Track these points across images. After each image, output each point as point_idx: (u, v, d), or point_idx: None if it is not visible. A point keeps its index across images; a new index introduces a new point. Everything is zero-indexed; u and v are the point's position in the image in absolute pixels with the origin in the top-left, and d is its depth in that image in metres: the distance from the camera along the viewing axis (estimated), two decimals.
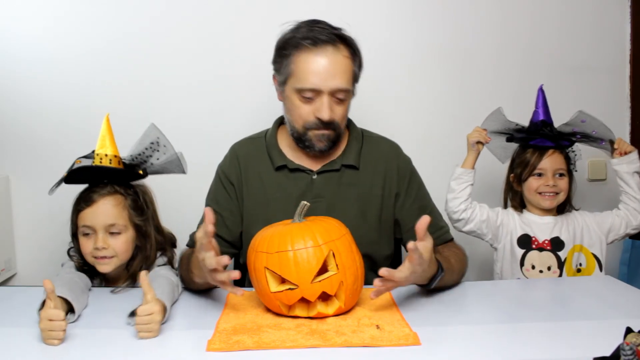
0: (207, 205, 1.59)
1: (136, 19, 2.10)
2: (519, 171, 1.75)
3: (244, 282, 1.62)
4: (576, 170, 1.79)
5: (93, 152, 1.47)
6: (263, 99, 2.02)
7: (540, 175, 1.72)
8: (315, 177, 1.53)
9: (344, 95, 1.43)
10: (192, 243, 1.54)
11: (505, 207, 1.83)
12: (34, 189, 2.13)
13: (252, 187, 1.55)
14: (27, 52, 2.09)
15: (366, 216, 1.52)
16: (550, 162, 1.71)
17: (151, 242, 1.49)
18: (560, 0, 2.16)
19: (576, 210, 1.80)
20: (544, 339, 1.13)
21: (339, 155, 1.54)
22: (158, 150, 1.49)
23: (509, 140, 1.78)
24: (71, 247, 1.51)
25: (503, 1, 2.15)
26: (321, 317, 1.23)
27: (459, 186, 1.73)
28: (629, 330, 0.97)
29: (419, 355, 1.07)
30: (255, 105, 2.10)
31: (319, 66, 1.39)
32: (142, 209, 1.49)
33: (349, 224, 1.34)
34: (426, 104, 2.18)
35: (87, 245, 1.43)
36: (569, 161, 1.75)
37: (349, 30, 1.46)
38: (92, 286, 1.47)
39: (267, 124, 1.63)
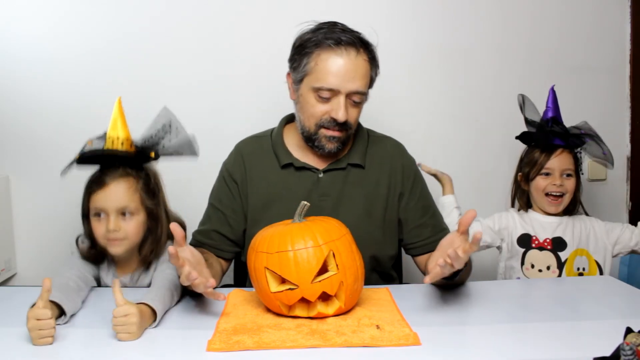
0: (209, 202, 1.60)
1: (136, 19, 2.09)
2: (527, 170, 1.75)
3: (244, 282, 1.62)
4: (582, 173, 1.79)
5: (105, 133, 1.46)
6: (264, 98, 2.03)
7: (547, 174, 1.72)
8: (321, 175, 1.53)
9: (359, 99, 1.44)
10: (194, 242, 1.54)
11: (513, 205, 1.83)
12: (34, 189, 2.13)
13: (256, 185, 1.55)
14: (27, 52, 2.09)
15: (371, 215, 1.52)
16: (558, 161, 1.71)
17: (162, 225, 1.48)
18: (560, 0, 2.16)
19: (587, 215, 1.79)
20: (544, 339, 1.13)
21: (345, 154, 1.55)
22: (170, 132, 1.48)
23: (518, 138, 1.78)
24: (79, 236, 1.50)
25: (503, 1, 2.15)
26: (321, 317, 1.23)
27: (448, 218, 1.74)
28: (629, 330, 0.97)
29: (419, 355, 1.07)
30: (256, 105, 2.10)
31: (340, 67, 1.39)
32: (153, 192, 1.48)
33: (354, 222, 1.34)
34: (426, 104, 2.18)
35: (99, 227, 1.43)
36: (577, 162, 1.75)
37: (369, 35, 1.46)
38: (101, 271, 1.48)
39: (270, 122, 1.63)
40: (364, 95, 1.44)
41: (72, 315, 1.26)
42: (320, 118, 1.44)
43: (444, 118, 2.18)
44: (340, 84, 1.39)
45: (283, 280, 1.22)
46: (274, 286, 1.22)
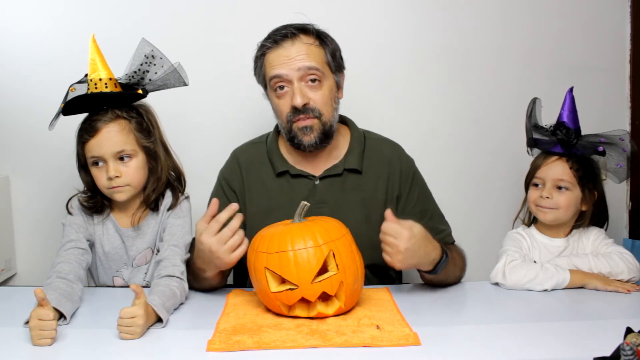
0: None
1: (133, 19, 2.08)
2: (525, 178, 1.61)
3: (244, 282, 1.62)
4: (594, 189, 1.53)
5: (86, 76, 1.40)
6: (260, 99, 2.02)
7: (537, 185, 1.55)
8: (317, 182, 1.52)
9: (315, 75, 1.44)
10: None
11: (516, 218, 1.66)
12: (34, 189, 2.12)
13: (254, 193, 1.54)
14: (27, 51, 2.08)
15: (370, 221, 1.51)
16: (548, 170, 1.52)
17: (161, 162, 1.46)
18: (560, 0, 2.16)
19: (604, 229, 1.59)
20: (544, 339, 1.13)
21: (340, 159, 1.54)
22: (155, 64, 1.43)
23: (529, 143, 1.62)
24: (70, 199, 1.49)
25: (503, 1, 2.15)
26: (321, 317, 1.23)
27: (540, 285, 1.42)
28: (629, 330, 0.97)
29: (419, 355, 1.07)
30: (253, 105, 2.08)
31: (282, 57, 1.44)
32: (148, 130, 1.45)
33: (353, 229, 1.33)
34: (426, 104, 2.17)
35: (100, 176, 1.41)
36: (581, 173, 1.50)
37: (322, 25, 1.51)
38: (96, 229, 1.48)
39: (267, 122, 1.63)
40: (317, 72, 1.44)
41: (73, 314, 1.26)
42: (286, 113, 1.46)
43: (443, 118, 2.17)
44: (286, 69, 1.43)
45: (283, 280, 1.22)
46: (274, 286, 1.22)
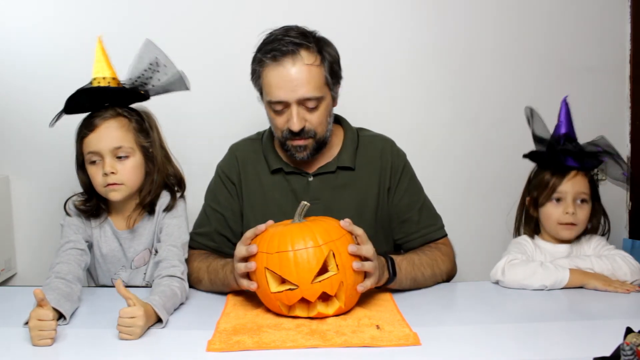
0: (207, 204, 1.60)
1: (135, 18, 2.09)
2: (536, 194, 1.54)
3: None
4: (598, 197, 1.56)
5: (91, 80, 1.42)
6: (256, 99, 2.02)
7: (559, 200, 1.51)
8: (311, 179, 1.53)
9: (314, 104, 1.43)
10: (195, 245, 1.54)
11: (518, 233, 1.63)
12: (34, 189, 2.12)
13: (250, 187, 1.56)
14: (27, 51, 2.08)
15: (363, 216, 1.52)
16: (572, 185, 1.49)
17: (157, 164, 1.46)
18: (560, 0, 2.16)
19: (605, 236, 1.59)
20: (544, 339, 1.13)
21: (334, 157, 1.55)
22: (159, 71, 1.43)
23: (526, 156, 1.59)
24: (69, 198, 1.49)
25: (502, 1, 2.15)
26: (321, 317, 1.23)
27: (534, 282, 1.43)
28: (629, 330, 0.97)
29: (419, 355, 1.07)
30: (250, 105, 2.08)
31: (282, 79, 1.40)
32: (147, 131, 1.46)
33: None
34: (424, 104, 2.17)
35: (96, 174, 1.41)
36: (593, 185, 1.53)
37: (325, 32, 1.47)
38: (94, 232, 1.48)
39: (263, 122, 1.64)
40: (317, 99, 1.42)
41: (72, 314, 1.26)
42: (282, 130, 1.45)
43: (442, 118, 2.18)
44: (286, 94, 1.40)
45: (283, 281, 1.22)
46: (274, 286, 1.22)
